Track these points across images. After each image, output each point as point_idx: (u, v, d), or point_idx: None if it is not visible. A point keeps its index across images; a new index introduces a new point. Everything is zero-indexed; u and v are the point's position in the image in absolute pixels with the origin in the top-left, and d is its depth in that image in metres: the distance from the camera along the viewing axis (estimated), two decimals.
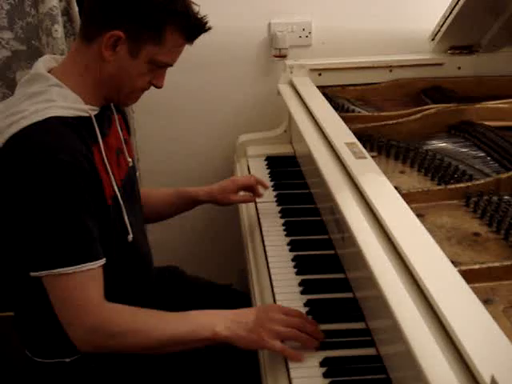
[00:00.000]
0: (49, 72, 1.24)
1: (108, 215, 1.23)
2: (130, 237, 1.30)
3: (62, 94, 1.19)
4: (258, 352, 1.21)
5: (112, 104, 1.36)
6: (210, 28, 1.27)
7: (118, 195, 1.27)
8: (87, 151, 1.18)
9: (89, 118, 1.22)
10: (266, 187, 1.71)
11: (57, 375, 1.29)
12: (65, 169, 1.11)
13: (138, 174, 1.51)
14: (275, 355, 1.15)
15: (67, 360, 1.28)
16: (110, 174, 1.25)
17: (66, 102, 1.19)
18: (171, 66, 1.28)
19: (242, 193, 1.70)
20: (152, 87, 1.31)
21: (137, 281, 1.38)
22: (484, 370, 0.74)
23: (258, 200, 1.74)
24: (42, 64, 1.25)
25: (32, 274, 1.15)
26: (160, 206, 1.66)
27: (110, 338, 1.17)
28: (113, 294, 1.21)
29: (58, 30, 1.94)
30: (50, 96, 1.18)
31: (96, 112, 1.25)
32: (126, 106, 1.42)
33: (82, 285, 1.15)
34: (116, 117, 1.38)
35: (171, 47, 1.24)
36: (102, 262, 1.18)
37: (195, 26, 1.25)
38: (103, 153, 1.23)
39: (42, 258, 1.14)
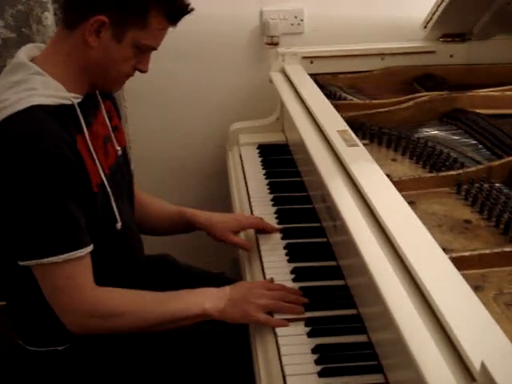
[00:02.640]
0: (31, 60, 1.23)
1: (94, 203, 1.23)
2: (119, 225, 1.30)
3: (43, 82, 1.19)
4: (251, 344, 1.22)
5: (98, 91, 1.35)
6: (192, 9, 1.27)
7: (106, 183, 1.26)
8: (71, 139, 1.17)
9: (72, 106, 1.21)
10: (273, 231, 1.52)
11: (50, 363, 1.30)
12: (48, 157, 1.10)
13: (132, 166, 1.50)
14: (268, 347, 1.15)
15: (60, 348, 1.28)
16: (97, 161, 1.24)
17: (47, 90, 1.18)
18: (155, 49, 1.28)
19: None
20: (137, 73, 1.30)
21: (125, 268, 1.38)
22: (474, 356, 0.74)
23: (249, 188, 1.74)
24: (24, 53, 1.24)
25: (21, 263, 1.15)
26: (159, 221, 1.60)
27: (105, 320, 1.19)
28: (101, 281, 1.21)
29: (49, 17, 1.94)
30: (32, 84, 1.17)
31: (79, 100, 1.24)
32: (111, 92, 1.41)
33: (72, 272, 1.16)
34: (103, 104, 1.36)
35: (155, 30, 1.24)
36: (91, 248, 1.19)
37: (178, 8, 1.25)
38: (88, 141, 1.22)
39: (30, 248, 1.14)
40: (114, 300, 1.21)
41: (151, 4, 1.20)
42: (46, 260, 1.13)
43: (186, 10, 1.26)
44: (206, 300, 1.22)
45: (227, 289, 1.26)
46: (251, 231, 1.54)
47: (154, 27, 1.22)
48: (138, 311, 1.22)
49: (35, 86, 1.17)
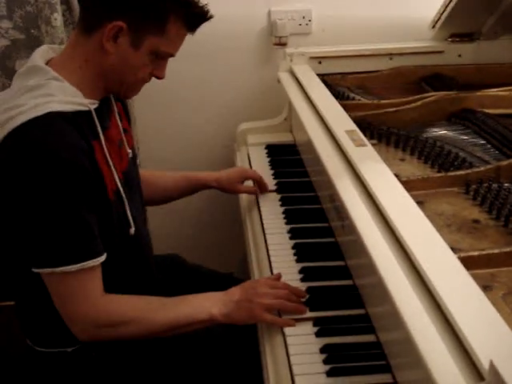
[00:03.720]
0: (47, 63, 1.22)
1: (110, 210, 1.22)
2: (133, 230, 1.29)
3: (61, 88, 1.16)
4: (259, 343, 1.22)
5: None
6: (211, 17, 1.25)
7: (121, 189, 1.25)
8: (88, 147, 1.15)
9: (89, 112, 1.19)
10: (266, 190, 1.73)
11: (58, 365, 1.30)
12: (65, 167, 1.09)
13: (138, 161, 1.50)
14: (277, 347, 1.15)
15: (69, 350, 1.28)
16: (112, 167, 1.23)
17: (65, 97, 1.16)
18: (173, 56, 1.27)
19: (246, 183, 1.73)
20: (153, 78, 1.29)
21: (138, 270, 1.37)
22: (483, 355, 0.74)
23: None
24: (40, 55, 1.22)
25: (34, 270, 1.15)
26: (168, 191, 1.68)
27: (113, 328, 1.20)
28: (114, 284, 1.22)
29: (57, 18, 1.94)
30: (50, 90, 1.15)
31: (96, 105, 1.22)
32: (128, 98, 1.39)
33: (84, 281, 1.16)
34: (115, 107, 1.35)
35: (173, 37, 1.22)
36: (104, 257, 1.18)
37: (197, 15, 1.23)
38: (104, 147, 1.21)
39: (44, 256, 1.14)
40: (122, 307, 1.21)
41: (170, 10, 1.18)
42: (59, 269, 1.13)
43: (205, 17, 1.24)
44: (213, 305, 1.22)
45: (232, 292, 1.25)
46: (258, 231, 1.55)
47: (172, 34, 1.21)
48: (146, 318, 1.21)
49: (53, 91, 1.15)
